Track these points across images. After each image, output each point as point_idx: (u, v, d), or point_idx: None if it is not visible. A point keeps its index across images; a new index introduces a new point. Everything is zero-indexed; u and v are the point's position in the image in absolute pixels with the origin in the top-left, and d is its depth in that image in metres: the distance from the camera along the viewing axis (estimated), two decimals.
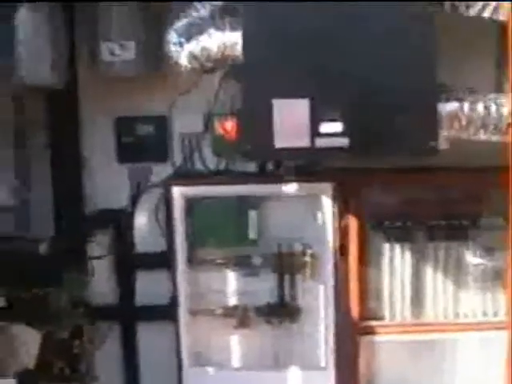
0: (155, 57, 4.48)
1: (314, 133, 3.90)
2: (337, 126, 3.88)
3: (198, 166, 4.76)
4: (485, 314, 4.65)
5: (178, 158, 4.77)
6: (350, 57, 3.86)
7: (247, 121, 3.98)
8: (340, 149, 3.91)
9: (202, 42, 4.02)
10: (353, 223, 4.53)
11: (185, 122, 4.72)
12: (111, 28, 4.45)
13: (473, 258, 4.60)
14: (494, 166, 4.20)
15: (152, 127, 4.75)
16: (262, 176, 4.60)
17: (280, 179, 4.52)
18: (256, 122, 3.94)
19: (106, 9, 4.45)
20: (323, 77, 3.88)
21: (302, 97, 3.89)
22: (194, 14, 4.12)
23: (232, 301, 4.70)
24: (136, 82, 4.61)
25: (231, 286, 4.71)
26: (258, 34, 3.90)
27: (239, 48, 3.96)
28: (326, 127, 3.88)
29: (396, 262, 4.63)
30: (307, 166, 4.47)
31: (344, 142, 3.89)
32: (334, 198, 4.52)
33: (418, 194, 4.51)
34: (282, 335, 4.69)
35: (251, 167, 4.65)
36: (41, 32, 4.35)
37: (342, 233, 4.55)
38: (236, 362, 4.75)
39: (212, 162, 4.73)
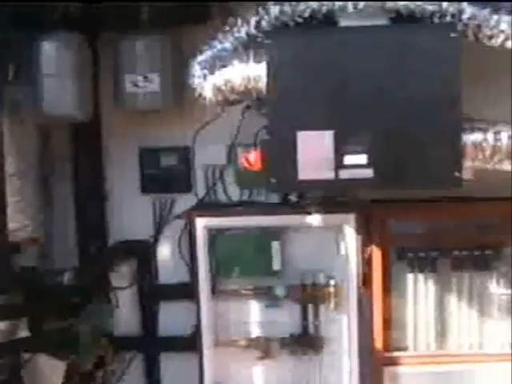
0: (179, 89, 4.46)
1: (338, 165, 3.86)
2: (361, 158, 3.83)
3: (221, 197, 4.72)
4: (510, 345, 4.55)
5: (201, 189, 4.74)
6: (375, 88, 3.81)
7: (272, 153, 3.93)
8: (364, 180, 3.87)
9: (226, 74, 3.98)
10: (376, 254, 4.46)
11: (208, 154, 4.68)
12: (135, 60, 4.43)
13: (496, 289, 4.52)
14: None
15: (175, 158, 4.71)
16: (285, 207, 4.55)
17: (303, 210, 4.46)
18: (280, 154, 3.90)
19: (130, 40, 4.44)
20: (348, 108, 3.84)
21: (327, 129, 3.86)
22: (218, 46, 4.10)
23: (255, 332, 4.63)
24: (160, 114, 4.59)
25: (254, 317, 4.64)
26: (282, 66, 3.86)
27: (263, 81, 3.93)
28: (350, 159, 3.84)
29: (420, 292, 4.55)
30: (331, 196, 4.41)
31: (368, 173, 3.84)
32: (358, 229, 4.45)
33: (442, 224, 4.44)
34: (306, 366, 4.62)
35: (274, 198, 4.61)
36: (65, 63, 4.34)
37: (366, 263, 4.48)
38: None
39: (235, 193, 4.70)
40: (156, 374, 4.81)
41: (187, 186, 4.74)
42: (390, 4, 3.84)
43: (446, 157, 3.83)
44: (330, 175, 3.87)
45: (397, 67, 3.81)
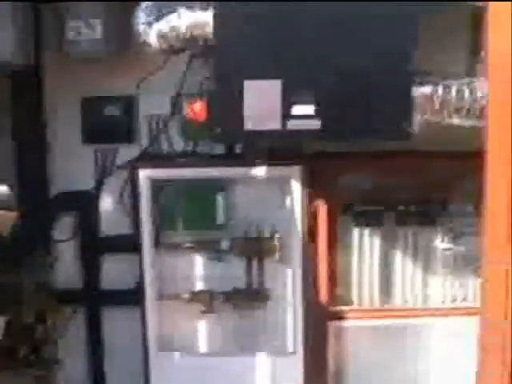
0: (122, 36, 4.20)
1: (286, 115, 3.66)
2: (309, 109, 3.64)
3: (165, 148, 4.49)
4: (454, 299, 4.42)
5: (144, 139, 4.50)
6: (324, 38, 3.62)
7: (217, 102, 3.72)
8: (312, 132, 3.67)
9: (171, 21, 3.75)
10: (322, 207, 4.28)
11: (152, 104, 4.43)
12: (77, 6, 4.16)
13: (442, 244, 4.38)
14: (465, 152, 4.01)
15: (118, 108, 4.46)
16: (230, 159, 4.34)
17: (249, 162, 4.26)
18: (226, 104, 3.69)
19: None
20: (296, 58, 3.63)
21: (274, 78, 3.65)
22: None
23: (199, 286, 4.44)
24: (102, 63, 4.33)
25: (198, 270, 4.44)
26: (230, 13, 3.64)
27: (209, 28, 3.70)
28: (297, 109, 3.64)
29: (365, 247, 4.39)
30: (277, 149, 4.21)
31: (316, 124, 3.65)
32: (304, 182, 4.26)
33: (389, 179, 4.25)
34: (250, 321, 4.45)
35: (219, 149, 4.39)
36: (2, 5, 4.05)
37: (311, 217, 4.30)
38: (203, 347, 4.49)
39: (179, 145, 4.47)
40: (98, 328, 4.58)
41: (130, 137, 4.49)
42: None
43: (395, 109, 3.66)
44: (277, 126, 3.68)
45: (348, 16, 3.61)
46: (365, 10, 3.58)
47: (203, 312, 4.41)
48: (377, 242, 4.38)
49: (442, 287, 4.42)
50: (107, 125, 4.46)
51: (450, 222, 4.36)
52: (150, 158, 4.43)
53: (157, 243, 4.37)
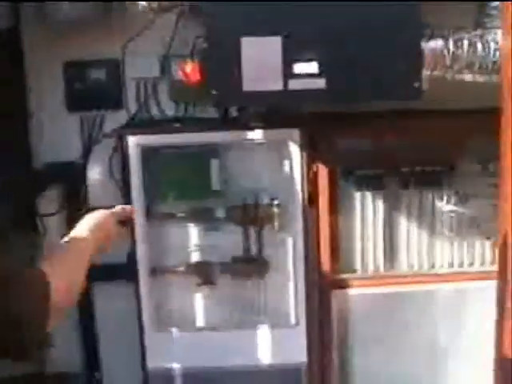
0: None
1: (287, 74, 3.34)
2: (312, 67, 3.33)
3: (155, 113, 4.16)
4: (460, 264, 4.15)
5: (132, 104, 4.17)
6: None
7: (212, 63, 3.40)
8: (316, 92, 3.36)
9: None
10: (322, 171, 3.98)
11: (139, 66, 4.10)
12: None
13: (447, 206, 4.09)
14: (474, 110, 3.74)
15: (104, 72, 4.12)
16: (224, 122, 4.02)
17: (244, 125, 3.94)
18: (222, 64, 3.37)
19: None
20: (297, 12, 3.31)
21: (274, 34, 3.33)
22: None
23: (194, 257, 4.14)
24: (85, 24, 3.97)
25: (193, 241, 4.14)
26: None
27: None
28: (300, 67, 3.33)
29: (368, 212, 4.10)
30: (274, 110, 3.90)
31: (320, 83, 3.34)
32: (302, 145, 3.95)
33: (392, 140, 3.95)
34: (249, 291, 4.15)
35: (212, 113, 4.08)
36: None
37: (311, 182, 4.01)
38: (201, 321, 4.20)
39: (170, 109, 4.15)
40: (90, 304, 4.27)
41: (117, 102, 4.15)
42: None
43: (405, 66, 3.35)
44: (278, 86, 3.36)
45: None
46: None
47: (200, 284, 4.12)
48: (380, 205, 4.09)
49: (449, 251, 4.15)
50: (92, 90, 4.12)
51: (457, 184, 4.07)
52: (139, 124, 4.11)
53: (148, 214, 4.05)
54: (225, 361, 4.11)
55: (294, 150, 3.97)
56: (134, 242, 4.01)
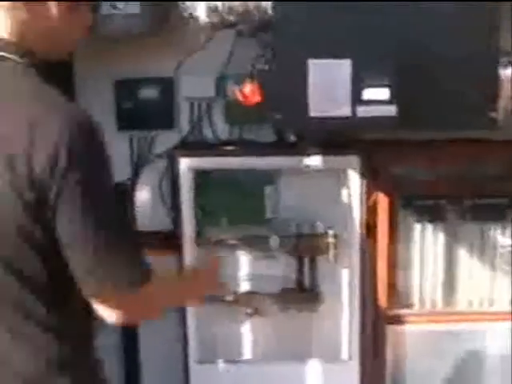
0: (162, 11, 3.64)
1: (356, 100, 3.10)
2: (383, 93, 3.08)
3: (208, 134, 3.92)
4: None
5: (184, 125, 3.92)
6: (400, 13, 3.05)
7: (275, 85, 3.16)
8: (386, 119, 3.12)
9: None
10: (382, 201, 3.73)
11: (193, 86, 3.85)
12: None
13: (509, 240, 3.83)
14: None
15: (156, 91, 3.88)
16: (281, 147, 3.78)
17: (301, 151, 3.70)
18: (288, 87, 3.13)
19: None
20: (368, 35, 3.07)
21: (343, 57, 3.09)
22: None
23: (245, 286, 3.89)
24: (138, 40, 3.75)
25: (244, 269, 3.90)
26: None
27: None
28: (369, 93, 3.09)
29: (427, 244, 3.85)
30: (332, 137, 3.66)
31: (391, 110, 3.10)
32: (362, 173, 3.71)
33: (454, 169, 3.71)
34: (301, 325, 3.91)
35: (268, 137, 3.84)
36: None
37: (370, 211, 3.76)
38: (249, 354, 3.96)
39: (223, 131, 3.91)
40: (134, 334, 4.01)
41: (169, 122, 3.89)
42: None
43: (480, 94, 3.10)
44: (346, 112, 3.12)
45: None
46: None
47: (249, 315, 3.88)
48: (440, 239, 3.84)
49: (510, 289, 3.88)
50: (144, 110, 3.88)
51: None
52: (192, 145, 3.87)
53: (198, 240, 3.82)
54: None
55: (353, 177, 3.74)
56: (183, 268, 3.78)
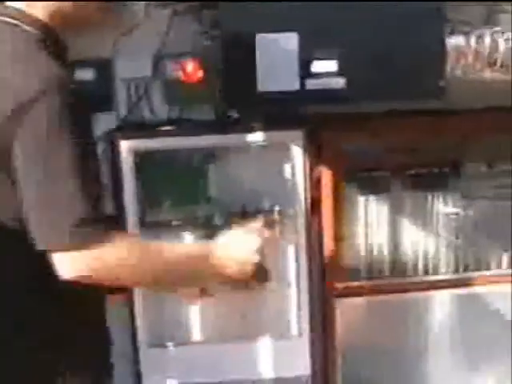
0: None
1: (305, 73, 3.05)
2: (331, 65, 3.04)
3: (146, 115, 3.80)
4: (466, 268, 3.91)
5: (122, 106, 3.80)
6: None
7: (223, 61, 3.08)
8: (334, 91, 3.08)
9: None
10: (326, 175, 3.69)
11: (130, 66, 3.73)
12: None
13: (452, 209, 3.84)
14: (484, 108, 3.51)
15: (92, 72, 3.74)
16: (222, 125, 3.69)
17: (244, 128, 3.62)
18: (235, 62, 3.06)
19: None
20: (315, 8, 3.02)
21: (290, 30, 3.03)
22: None
23: None
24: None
25: None
26: None
27: None
28: (318, 66, 3.04)
29: (372, 216, 3.82)
30: (275, 111, 3.58)
31: (340, 83, 3.06)
32: (306, 148, 3.66)
33: (397, 142, 3.68)
34: (250, 302, 3.83)
35: (208, 115, 3.74)
36: None
37: (314, 186, 3.72)
38: (198, 335, 3.87)
39: (162, 111, 3.80)
40: None
41: (107, 104, 3.77)
42: None
43: (427, 64, 3.09)
44: (295, 85, 3.07)
45: None
46: None
47: (197, 295, 3.79)
48: (384, 210, 3.83)
49: (455, 256, 3.90)
50: (80, 91, 3.74)
51: (462, 186, 3.83)
52: (131, 127, 3.75)
53: (142, 223, 3.72)
54: (224, 375, 3.81)
55: (297, 152, 3.68)
56: None
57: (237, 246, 2.57)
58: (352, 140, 3.65)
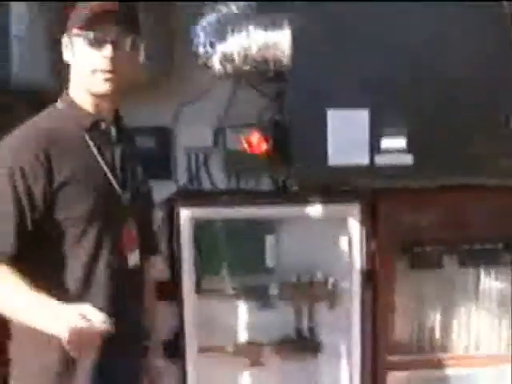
0: (166, 58, 3.55)
1: (374, 149, 3.06)
2: (400, 142, 3.05)
3: (205, 184, 3.81)
4: None
5: (182, 175, 3.81)
6: (417, 62, 3.04)
7: (294, 135, 3.09)
8: (403, 168, 3.09)
9: (240, 41, 3.12)
10: (381, 249, 3.67)
11: (191, 135, 3.75)
12: None
13: (506, 285, 3.81)
14: None
15: (154, 140, 3.76)
16: (280, 196, 3.70)
17: (302, 200, 3.62)
18: (305, 136, 3.07)
19: None
20: (386, 84, 3.04)
21: (361, 107, 3.04)
22: (224, 9, 3.22)
23: (244, 336, 3.77)
24: (136, 88, 3.63)
25: (244, 319, 3.78)
26: (311, 33, 3.03)
27: (283, 49, 3.09)
28: (387, 142, 3.05)
29: (424, 290, 3.79)
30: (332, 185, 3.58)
31: (408, 159, 3.07)
32: (362, 221, 3.65)
33: (452, 216, 3.67)
34: (301, 374, 3.79)
35: (266, 186, 3.75)
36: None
37: (369, 259, 3.69)
38: None
39: (221, 180, 3.81)
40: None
41: (167, 172, 3.79)
42: None
43: (495, 142, 3.10)
44: (365, 160, 3.07)
45: (444, 39, 3.05)
46: (464, 29, 3.04)
47: (249, 365, 3.75)
48: (437, 284, 3.80)
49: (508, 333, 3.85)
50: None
51: None
52: (190, 195, 3.75)
53: (198, 290, 3.69)
54: None
55: (353, 225, 3.67)
56: (181, 318, 3.64)
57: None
58: (407, 214, 3.64)
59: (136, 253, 2.57)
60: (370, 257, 3.70)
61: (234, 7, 3.21)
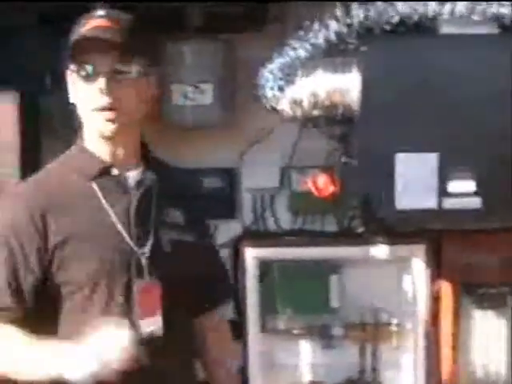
0: (232, 102, 3.56)
1: (442, 192, 3.02)
2: (469, 185, 3.00)
3: (270, 225, 3.80)
4: None
5: (247, 215, 3.81)
6: (483, 110, 3.00)
7: (362, 178, 3.07)
8: (471, 211, 3.04)
9: (309, 85, 3.11)
10: (445, 289, 3.61)
11: (257, 176, 3.75)
12: (184, 68, 3.51)
13: None
14: None
15: (219, 181, 3.76)
16: (344, 237, 3.67)
17: (366, 240, 3.58)
18: (373, 179, 3.04)
19: (178, 45, 3.52)
20: (453, 128, 3.00)
21: (429, 151, 3.01)
22: (291, 53, 3.21)
23: (308, 376, 3.73)
24: (202, 129, 3.66)
25: (308, 359, 3.73)
26: (380, 78, 3.01)
27: (352, 93, 3.06)
28: (455, 186, 3.01)
29: (490, 330, 3.71)
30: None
31: (476, 202, 3.02)
32: (427, 262, 3.60)
33: None
34: None
35: (330, 227, 3.73)
36: None
37: (434, 300, 3.63)
38: None
39: (286, 221, 3.79)
40: None
41: (232, 212, 3.79)
42: (493, 10, 3.06)
43: None
44: (433, 204, 3.03)
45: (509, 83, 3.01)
46: None
47: None
48: (503, 325, 3.72)
49: None
50: (207, 199, 3.76)
51: None
52: (255, 235, 3.75)
53: (262, 329, 3.67)
54: None
55: (418, 266, 3.62)
56: (246, 357, 3.61)
57: None
58: (471, 255, 3.59)
59: (157, 318, 2.05)
60: (434, 297, 3.66)
61: (301, 50, 3.21)
